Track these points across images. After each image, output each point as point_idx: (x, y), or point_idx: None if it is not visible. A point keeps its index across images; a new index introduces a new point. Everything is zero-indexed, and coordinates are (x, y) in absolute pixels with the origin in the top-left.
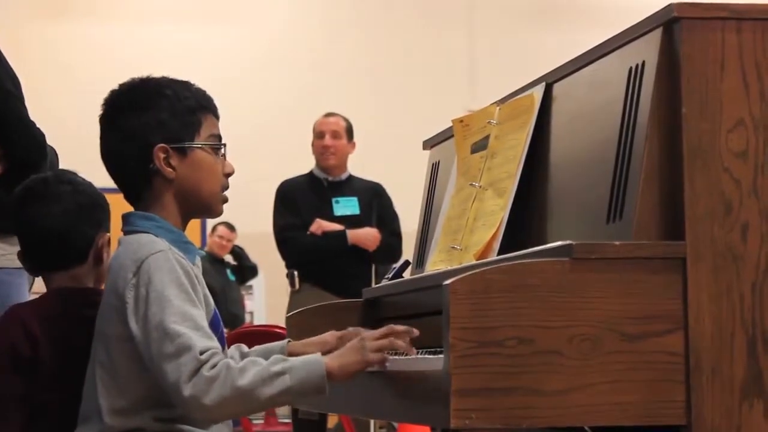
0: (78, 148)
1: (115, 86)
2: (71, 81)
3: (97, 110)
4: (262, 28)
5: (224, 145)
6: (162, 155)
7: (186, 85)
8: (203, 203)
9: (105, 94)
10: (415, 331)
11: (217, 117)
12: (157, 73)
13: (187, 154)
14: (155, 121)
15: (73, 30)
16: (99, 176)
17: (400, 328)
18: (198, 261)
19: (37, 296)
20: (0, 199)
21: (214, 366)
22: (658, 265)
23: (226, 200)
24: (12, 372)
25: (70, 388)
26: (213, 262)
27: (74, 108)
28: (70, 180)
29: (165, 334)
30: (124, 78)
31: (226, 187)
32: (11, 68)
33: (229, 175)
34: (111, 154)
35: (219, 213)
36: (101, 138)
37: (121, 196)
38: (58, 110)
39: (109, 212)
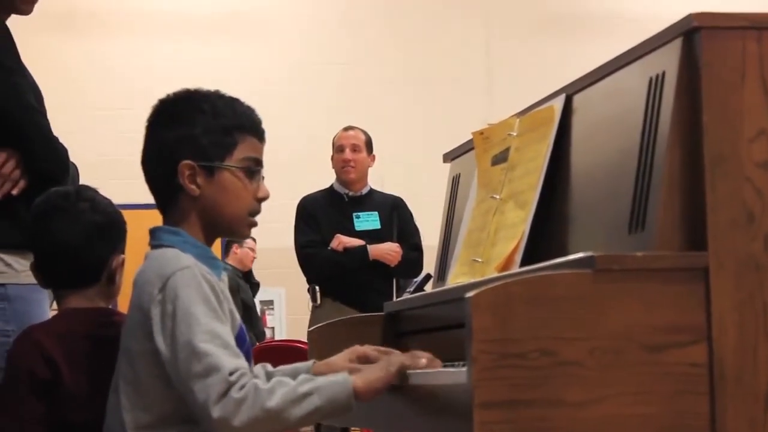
0: (85, 165)
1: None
2: (78, 96)
3: (105, 126)
4: (279, 43)
5: (259, 169)
6: (187, 172)
7: (230, 103)
8: (226, 225)
9: (114, 110)
10: (438, 362)
11: (260, 140)
12: (166, 90)
13: (215, 174)
14: (186, 137)
15: (81, 45)
16: (108, 194)
17: (424, 354)
18: (224, 276)
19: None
20: (21, 215)
21: (242, 387)
22: (680, 275)
23: (253, 224)
24: (32, 395)
25: (94, 408)
26: (243, 277)
27: (81, 123)
28: (90, 197)
29: (193, 353)
30: (132, 94)
31: (256, 212)
32: (34, 81)
33: (262, 199)
34: (144, 163)
35: (244, 236)
36: (143, 145)
37: (141, 212)
38: (65, 125)
39: (126, 232)
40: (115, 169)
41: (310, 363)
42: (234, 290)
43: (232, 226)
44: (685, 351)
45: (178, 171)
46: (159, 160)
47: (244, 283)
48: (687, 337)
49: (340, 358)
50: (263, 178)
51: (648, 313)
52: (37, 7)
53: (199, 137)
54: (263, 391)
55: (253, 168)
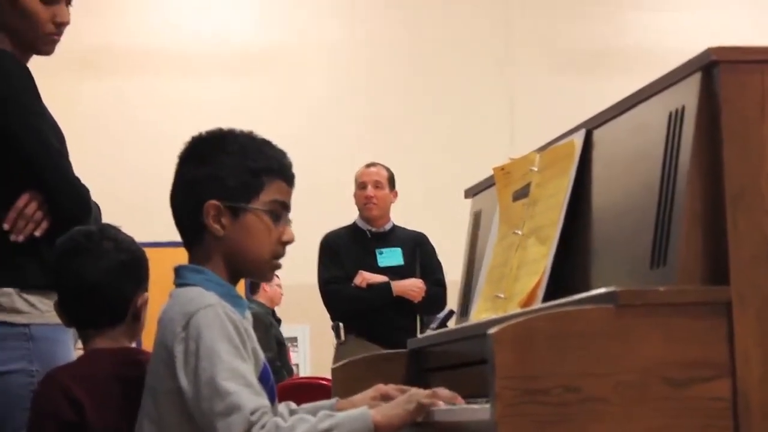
0: (106, 203)
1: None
2: (101, 135)
3: (126, 165)
4: (301, 80)
5: (285, 213)
6: (212, 212)
7: (261, 145)
8: (249, 267)
9: (135, 150)
10: (460, 400)
11: (289, 184)
12: (186, 129)
13: (240, 215)
14: (213, 177)
15: (102, 85)
16: (129, 232)
17: (445, 393)
18: (248, 314)
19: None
20: (44, 256)
21: (263, 426)
22: (703, 310)
23: (277, 267)
24: None
25: None
26: (273, 314)
27: (102, 163)
28: (113, 236)
29: (216, 392)
30: (154, 133)
31: (280, 255)
32: (56, 122)
33: (287, 243)
34: (172, 199)
35: (267, 279)
36: (173, 181)
37: (162, 250)
38: (86, 165)
39: (149, 270)
40: (136, 207)
41: (333, 401)
42: (267, 327)
43: (254, 268)
44: (709, 386)
45: (204, 210)
46: (185, 198)
47: (274, 321)
48: (711, 371)
49: (363, 396)
50: (290, 222)
51: (671, 347)
52: (58, 47)
53: (225, 178)
54: (284, 429)
55: (279, 211)
